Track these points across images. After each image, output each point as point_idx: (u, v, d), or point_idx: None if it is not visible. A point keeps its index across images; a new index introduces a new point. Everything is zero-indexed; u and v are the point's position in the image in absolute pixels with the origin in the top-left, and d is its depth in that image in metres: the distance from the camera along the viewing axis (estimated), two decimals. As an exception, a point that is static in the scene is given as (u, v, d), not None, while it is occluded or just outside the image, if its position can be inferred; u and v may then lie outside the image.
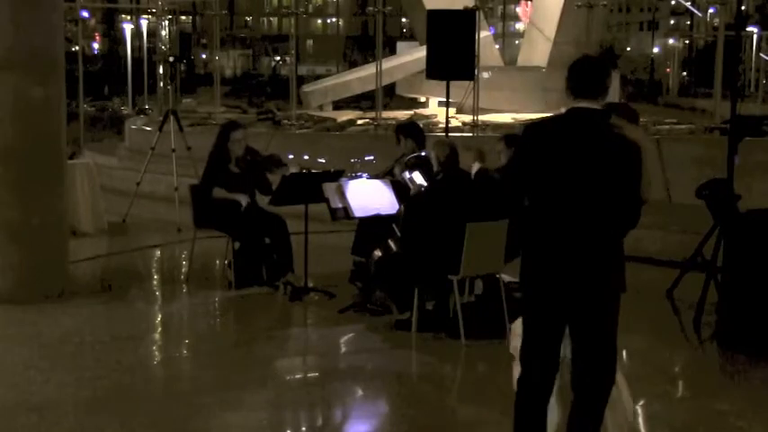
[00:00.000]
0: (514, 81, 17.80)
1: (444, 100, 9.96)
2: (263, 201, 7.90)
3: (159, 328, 7.22)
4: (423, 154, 7.44)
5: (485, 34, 17.27)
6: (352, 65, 37.90)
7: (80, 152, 12.74)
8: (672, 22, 57.66)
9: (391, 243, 6.90)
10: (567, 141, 3.95)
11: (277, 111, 18.34)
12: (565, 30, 17.35)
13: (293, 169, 7.73)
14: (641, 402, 5.39)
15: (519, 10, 24.10)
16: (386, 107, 17.44)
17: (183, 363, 6.39)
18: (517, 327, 4.25)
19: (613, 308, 4.00)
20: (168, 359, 6.47)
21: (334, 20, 65.60)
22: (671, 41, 37.86)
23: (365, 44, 45.88)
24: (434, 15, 9.41)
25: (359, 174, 7.71)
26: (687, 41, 39.43)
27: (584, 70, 3.99)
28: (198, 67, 45.88)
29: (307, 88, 19.54)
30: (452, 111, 13.44)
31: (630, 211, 3.93)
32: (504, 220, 6.36)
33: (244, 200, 7.74)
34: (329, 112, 18.02)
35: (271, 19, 68.78)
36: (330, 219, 7.37)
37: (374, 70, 15.97)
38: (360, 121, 16.27)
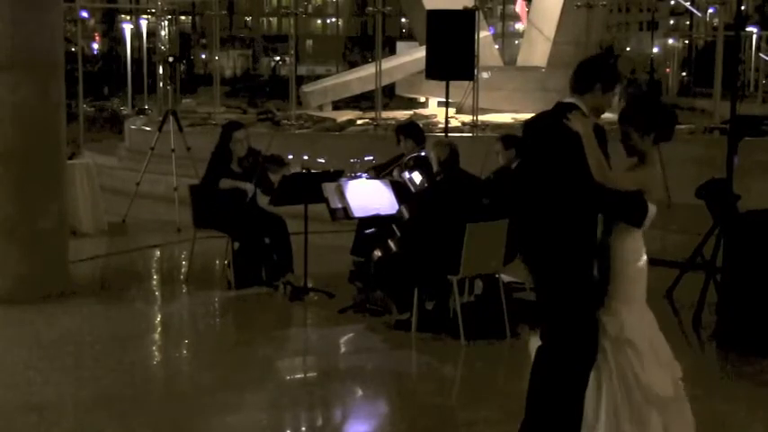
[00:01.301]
0: (514, 81, 17.77)
1: (444, 100, 9.96)
2: (263, 201, 7.91)
3: (159, 328, 7.22)
4: (422, 154, 7.44)
5: (484, 34, 17.24)
6: (352, 65, 37.85)
7: (80, 152, 12.71)
8: (671, 22, 57.58)
9: (391, 243, 6.90)
10: (533, 137, 4.28)
11: (277, 111, 18.31)
12: (564, 30, 17.33)
13: (295, 169, 7.73)
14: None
15: (517, 8, 24.03)
16: (385, 107, 17.41)
17: (182, 363, 6.40)
18: None
19: (567, 293, 4.13)
20: (168, 359, 6.48)
21: (333, 20, 65.55)
22: (670, 41, 37.84)
23: (365, 44, 45.85)
24: (434, 15, 9.41)
25: (358, 174, 7.71)
26: (687, 41, 39.38)
27: (576, 68, 4.21)
28: (197, 67, 45.89)
29: (306, 88, 19.49)
30: (452, 111, 13.43)
31: (591, 196, 4.02)
32: (503, 219, 6.36)
33: (250, 189, 7.74)
34: (329, 113, 17.99)
35: (270, 19, 68.71)
36: (330, 219, 7.37)
37: (374, 70, 15.95)
38: (359, 122, 16.24)
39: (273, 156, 7.90)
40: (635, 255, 4.21)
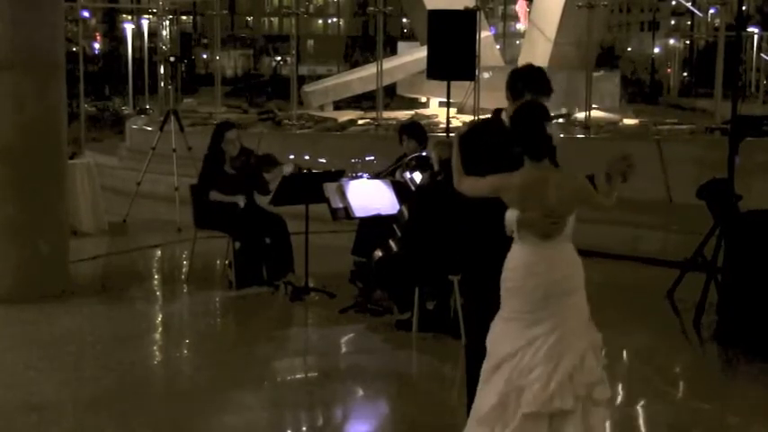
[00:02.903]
0: (515, 81, 17.74)
1: (445, 100, 9.95)
2: (263, 201, 7.91)
3: (159, 328, 7.22)
4: (423, 154, 7.44)
5: (485, 34, 17.22)
6: (353, 65, 37.85)
7: (81, 152, 12.70)
8: (672, 22, 57.60)
9: (392, 243, 6.90)
10: None
11: (278, 111, 18.31)
12: (565, 30, 17.31)
13: (288, 168, 7.72)
14: (641, 402, 5.40)
15: (518, 8, 24.02)
16: (386, 107, 17.41)
17: (182, 363, 6.39)
18: None
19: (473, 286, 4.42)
20: (168, 359, 6.47)
21: (334, 20, 65.58)
22: (672, 42, 37.82)
23: (366, 44, 45.84)
24: (435, 15, 9.39)
25: (359, 174, 7.71)
26: (688, 42, 39.38)
27: None
28: (199, 67, 45.80)
29: (308, 88, 19.48)
30: (453, 111, 13.42)
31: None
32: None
33: (241, 201, 7.78)
34: (330, 113, 17.98)
35: (271, 19, 68.73)
36: (331, 219, 7.37)
37: (375, 70, 15.95)
38: (360, 122, 16.23)
39: (266, 155, 7.92)
40: (511, 272, 3.88)
